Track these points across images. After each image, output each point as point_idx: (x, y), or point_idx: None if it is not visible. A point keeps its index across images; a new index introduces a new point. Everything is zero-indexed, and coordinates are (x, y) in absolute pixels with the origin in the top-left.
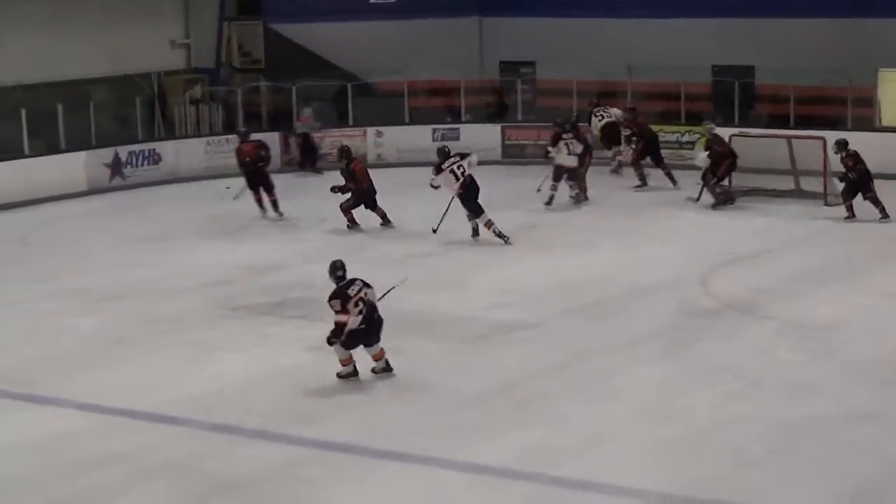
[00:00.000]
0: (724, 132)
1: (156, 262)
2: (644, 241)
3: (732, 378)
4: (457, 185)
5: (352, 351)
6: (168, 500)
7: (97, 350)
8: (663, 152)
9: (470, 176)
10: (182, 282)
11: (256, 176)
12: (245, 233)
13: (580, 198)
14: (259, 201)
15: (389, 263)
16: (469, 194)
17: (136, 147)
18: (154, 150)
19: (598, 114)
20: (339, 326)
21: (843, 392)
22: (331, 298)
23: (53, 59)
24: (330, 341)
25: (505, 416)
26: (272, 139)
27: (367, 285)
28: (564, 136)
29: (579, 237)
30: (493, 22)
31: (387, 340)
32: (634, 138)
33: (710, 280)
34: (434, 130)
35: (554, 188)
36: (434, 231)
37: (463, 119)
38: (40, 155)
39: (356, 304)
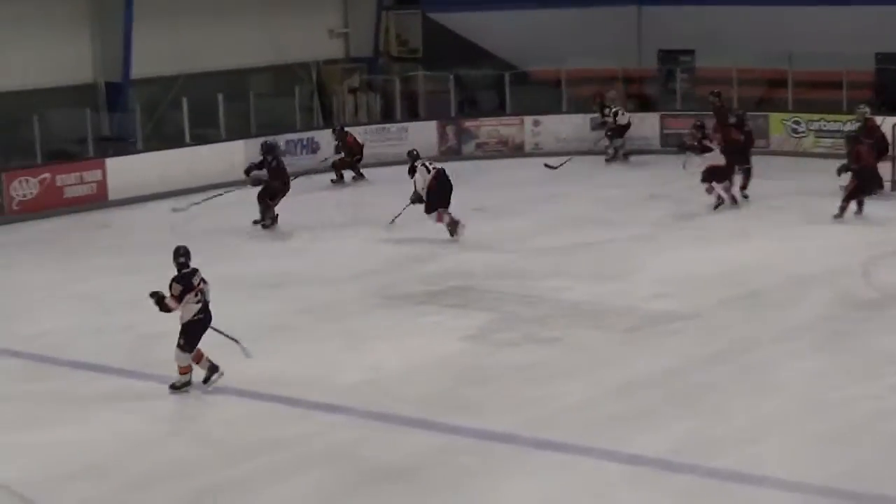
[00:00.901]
0: (888, 122)
1: (313, 250)
2: (803, 231)
3: (894, 371)
4: (429, 177)
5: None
6: (326, 487)
7: (255, 338)
8: (825, 142)
9: (443, 170)
10: (339, 270)
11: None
12: (403, 221)
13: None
14: None
15: (556, 253)
16: (439, 186)
17: (294, 136)
18: (312, 138)
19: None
20: (165, 308)
21: None
22: (174, 281)
23: (215, 48)
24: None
25: (663, 407)
26: (429, 128)
27: (204, 281)
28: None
29: (737, 227)
30: (652, 10)
31: (548, 329)
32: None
33: (872, 270)
34: (591, 119)
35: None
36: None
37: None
38: (201, 143)
39: (196, 295)
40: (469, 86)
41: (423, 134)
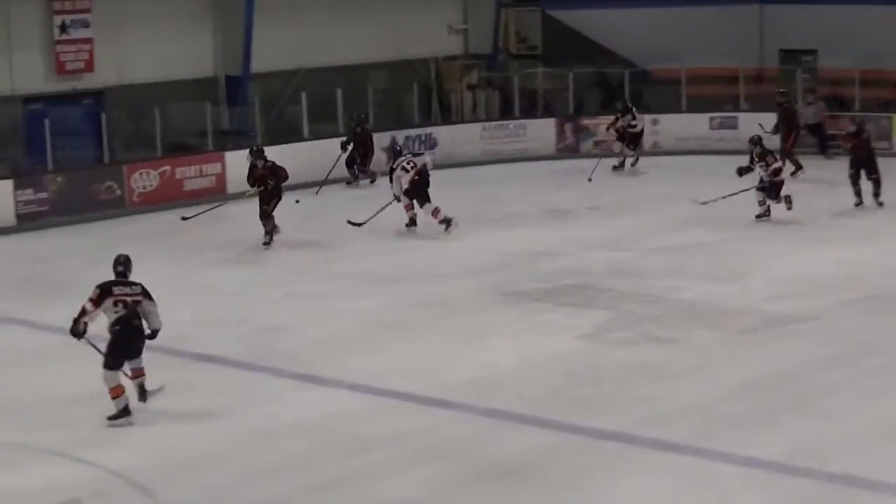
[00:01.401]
0: None
1: (431, 246)
2: None
3: None
4: (412, 173)
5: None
6: (439, 483)
7: (373, 332)
8: None
9: (424, 165)
10: (456, 266)
11: None
12: (520, 219)
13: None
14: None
15: (673, 252)
16: (420, 182)
17: (412, 131)
18: (430, 134)
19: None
20: (81, 312)
21: None
22: (96, 287)
23: (334, 43)
24: (73, 331)
25: (780, 409)
26: (547, 125)
27: (145, 294)
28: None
29: (859, 229)
30: (775, 9)
31: (665, 329)
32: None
33: None
34: (711, 119)
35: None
36: (359, 225)
37: (741, 107)
38: (320, 138)
39: (115, 304)
40: (588, 84)
41: (540, 131)
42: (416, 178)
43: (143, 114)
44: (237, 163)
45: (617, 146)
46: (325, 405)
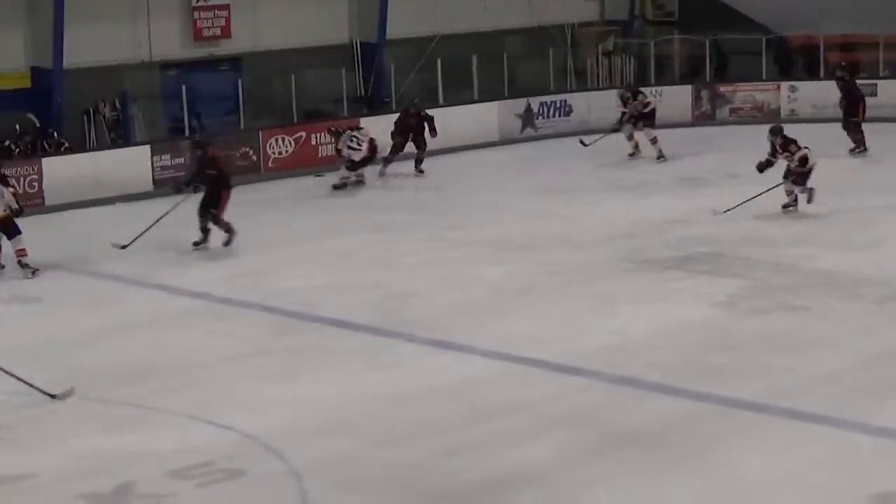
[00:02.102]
0: None
1: (564, 213)
2: None
3: None
4: (365, 149)
5: None
6: (568, 449)
7: (506, 299)
8: None
9: (373, 138)
10: (589, 234)
11: None
12: (654, 186)
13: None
14: None
15: (805, 221)
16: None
17: (547, 98)
18: (566, 101)
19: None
20: None
21: None
22: None
23: (469, 9)
24: None
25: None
26: (684, 92)
27: None
28: None
29: None
30: None
31: (799, 298)
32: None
33: None
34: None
35: None
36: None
37: (881, 74)
38: (455, 104)
39: None
40: (726, 50)
41: (677, 98)
42: (369, 154)
43: (279, 80)
44: (372, 129)
45: (628, 129)
46: (455, 371)
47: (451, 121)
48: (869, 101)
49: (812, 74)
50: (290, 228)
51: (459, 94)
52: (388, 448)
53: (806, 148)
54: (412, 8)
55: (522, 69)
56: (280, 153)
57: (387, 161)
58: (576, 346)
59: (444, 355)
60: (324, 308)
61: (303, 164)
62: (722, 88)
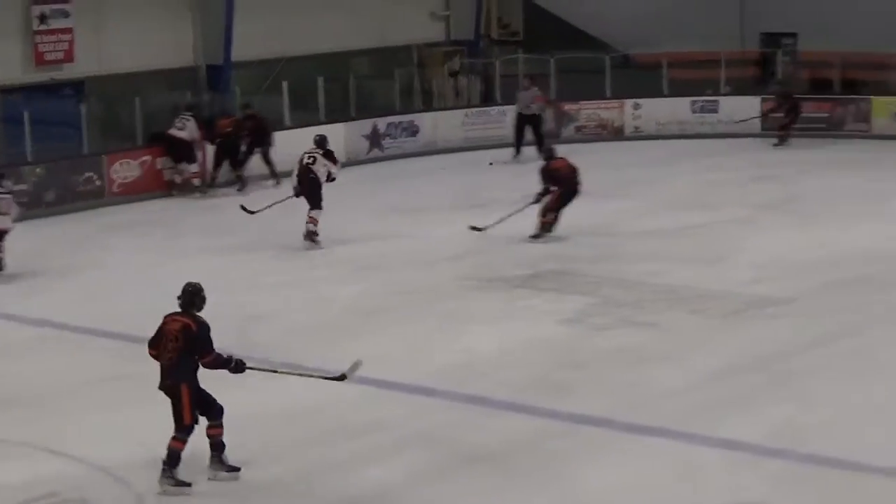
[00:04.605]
0: None
1: (412, 233)
2: None
3: None
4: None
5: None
6: (423, 468)
7: (355, 319)
8: None
9: (307, 167)
10: (437, 253)
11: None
12: (501, 205)
13: None
14: None
15: (654, 237)
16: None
17: (394, 119)
18: (412, 121)
19: None
20: None
21: None
22: None
23: (315, 31)
24: None
25: (760, 392)
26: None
27: None
28: None
29: (841, 211)
30: None
31: (645, 314)
32: None
33: None
34: (693, 102)
35: None
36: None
37: (722, 91)
38: (301, 126)
39: None
40: (569, 69)
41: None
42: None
43: (124, 104)
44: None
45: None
46: (307, 393)
47: (297, 142)
48: (711, 116)
49: (655, 92)
50: (137, 252)
51: (306, 115)
52: (245, 470)
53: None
54: (258, 30)
55: (369, 90)
56: (125, 177)
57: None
58: (425, 365)
59: (298, 378)
60: None
61: (149, 187)
62: (567, 106)
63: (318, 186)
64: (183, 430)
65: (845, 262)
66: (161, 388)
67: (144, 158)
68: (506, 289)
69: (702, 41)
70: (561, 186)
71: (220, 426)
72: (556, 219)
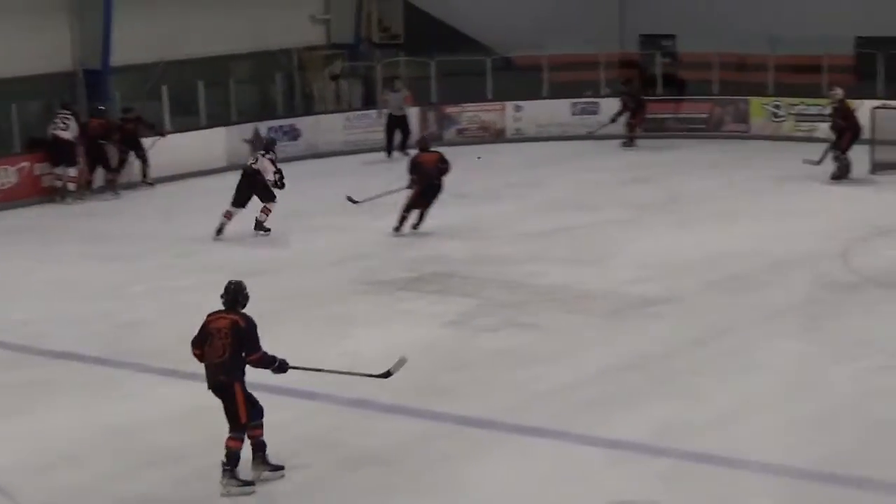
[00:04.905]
0: (866, 105)
1: (296, 237)
2: (784, 215)
3: (873, 352)
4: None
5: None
6: (309, 472)
7: None
8: (804, 126)
9: (250, 167)
10: (319, 257)
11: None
12: (385, 208)
13: None
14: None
15: (536, 238)
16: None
17: (275, 122)
18: (293, 125)
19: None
20: None
21: None
22: None
23: (195, 35)
24: None
25: (643, 391)
26: (411, 114)
27: None
28: None
29: (719, 212)
30: None
31: (528, 315)
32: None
33: (851, 253)
34: (573, 104)
35: None
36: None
37: (602, 93)
38: (181, 131)
39: None
40: (451, 71)
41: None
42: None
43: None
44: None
45: None
46: (188, 400)
47: (178, 147)
48: (592, 119)
49: (536, 94)
50: (11, 260)
51: (186, 120)
52: (120, 481)
53: None
54: (137, 35)
55: (249, 94)
56: (2, 184)
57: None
58: None
59: (177, 384)
60: (51, 340)
61: (27, 194)
62: (448, 109)
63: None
64: (239, 428)
65: (723, 262)
66: (211, 387)
67: (22, 165)
68: (389, 291)
69: (582, 43)
70: (421, 180)
71: (261, 426)
72: (420, 215)
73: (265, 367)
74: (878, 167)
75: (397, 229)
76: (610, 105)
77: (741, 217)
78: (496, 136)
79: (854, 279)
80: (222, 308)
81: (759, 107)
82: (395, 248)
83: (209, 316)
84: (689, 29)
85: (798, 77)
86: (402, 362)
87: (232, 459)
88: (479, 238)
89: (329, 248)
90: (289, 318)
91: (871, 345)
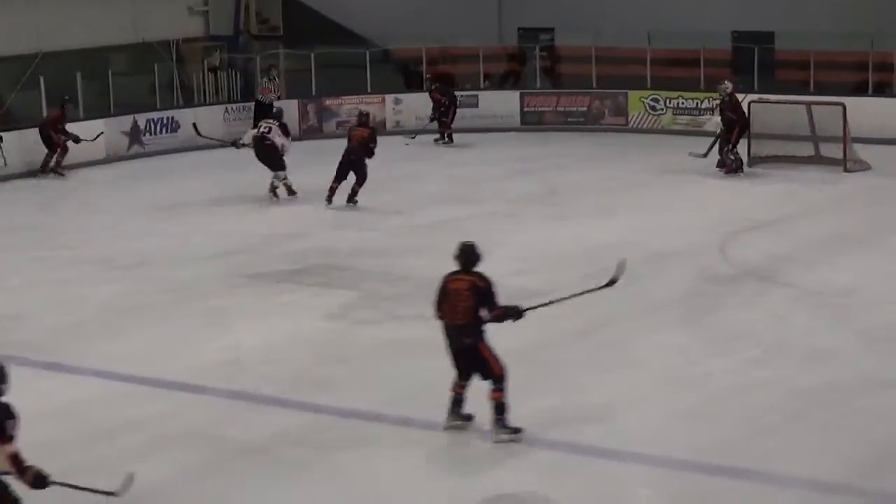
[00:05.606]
0: (744, 99)
1: (175, 230)
2: (663, 208)
3: (751, 345)
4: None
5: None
6: (187, 466)
7: (116, 318)
8: (682, 119)
9: (262, 137)
10: (201, 249)
11: None
12: (266, 200)
13: None
14: None
15: (416, 231)
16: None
17: (154, 115)
18: (172, 117)
19: None
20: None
21: (861, 359)
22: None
23: (72, 26)
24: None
25: (524, 383)
26: (290, 106)
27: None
28: None
29: (598, 205)
30: None
31: (409, 307)
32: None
33: (729, 247)
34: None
35: None
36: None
37: (481, 86)
38: None
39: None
40: (330, 64)
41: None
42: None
43: None
44: None
45: None
46: (67, 393)
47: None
48: (471, 111)
49: (414, 87)
50: None
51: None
52: None
53: None
54: (12, 24)
55: (128, 86)
56: None
57: None
58: (189, 362)
59: (55, 377)
60: None
61: None
62: (328, 102)
63: (276, 149)
64: (499, 379)
65: (601, 254)
66: (454, 348)
67: None
68: (271, 283)
69: (461, 36)
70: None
71: (502, 389)
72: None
73: (505, 319)
74: (754, 160)
75: (328, 199)
76: (489, 98)
77: (620, 210)
78: (377, 128)
79: (732, 272)
80: (456, 269)
81: (637, 100)
82: (276, 241)
83: (446, 277)
84: (568, 23)
85: (676, 71)
86: (623, 265)
87: (500, 408)
88: (360, 230)
89: (208, 241)
90: (168, 312)
91: (749, 337)
